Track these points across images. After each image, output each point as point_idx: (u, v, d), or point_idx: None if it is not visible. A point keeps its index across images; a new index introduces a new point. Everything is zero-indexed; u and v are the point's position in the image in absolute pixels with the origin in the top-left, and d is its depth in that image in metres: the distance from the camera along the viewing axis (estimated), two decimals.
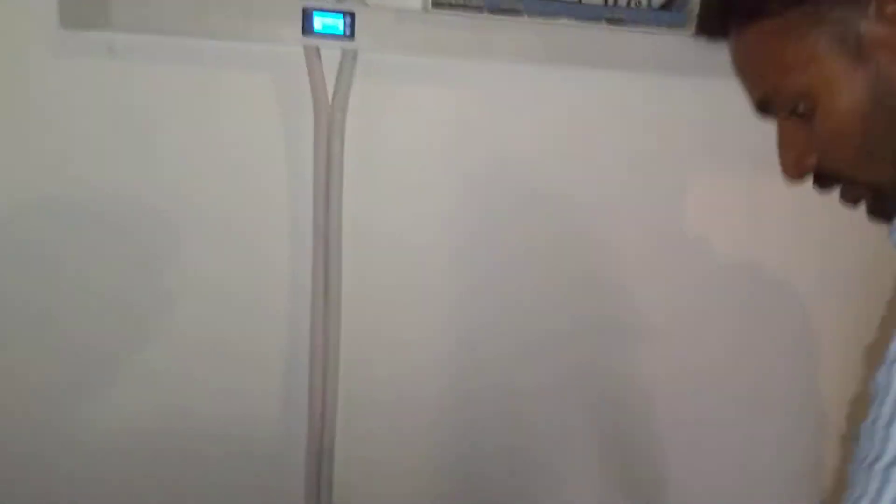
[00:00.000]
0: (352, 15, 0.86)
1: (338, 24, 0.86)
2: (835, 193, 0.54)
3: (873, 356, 1.09)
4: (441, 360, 1.02)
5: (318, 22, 0.85)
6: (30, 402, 0.92)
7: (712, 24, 0.54)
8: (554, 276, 1.03)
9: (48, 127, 0.86)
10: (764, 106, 0.53)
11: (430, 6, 0.87)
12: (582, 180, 1.01)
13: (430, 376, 1.01)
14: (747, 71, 0.53)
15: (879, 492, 0.45)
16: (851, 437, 0.54)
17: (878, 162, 0.50)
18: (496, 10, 0.88)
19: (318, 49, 0.88)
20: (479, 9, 0.88)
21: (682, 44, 0.91)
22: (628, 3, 0.92)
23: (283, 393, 0.97)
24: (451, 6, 0.87)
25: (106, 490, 0.95)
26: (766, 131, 0.55)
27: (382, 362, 0.99)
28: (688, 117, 1.01)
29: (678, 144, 1.03)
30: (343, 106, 0.89)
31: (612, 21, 0.91)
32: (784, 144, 0.53)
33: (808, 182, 0.54)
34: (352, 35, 0.87)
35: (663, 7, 0.94)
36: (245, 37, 0.86)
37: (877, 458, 0.45)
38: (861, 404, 1.07)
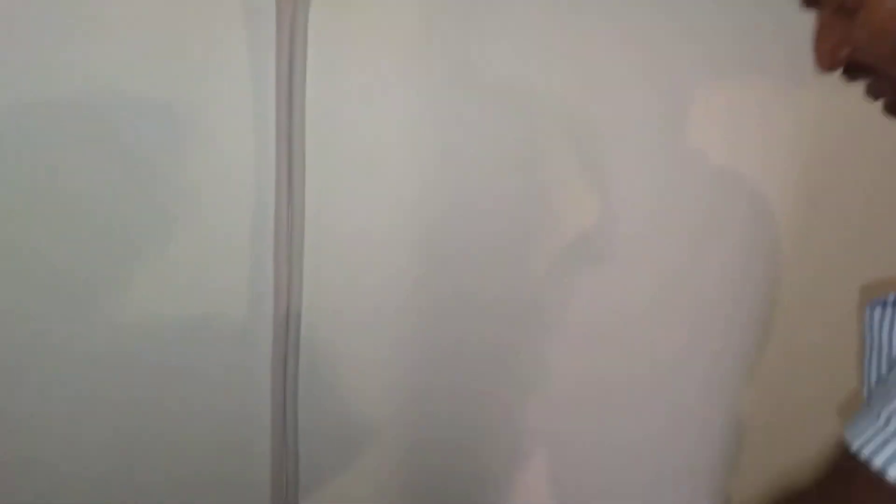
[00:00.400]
0: None
1: None
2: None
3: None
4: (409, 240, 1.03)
5: None
6: None
7: None
8: (530, 188, 1.04)
9: None
10: None
11: None
12: (568, 89, 1.01)
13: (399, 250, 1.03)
14: None
15: None
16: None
17: None
18: None
19: None
20: None
21: None
22: None
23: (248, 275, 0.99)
24: None
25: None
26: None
27: (346, 241, 1.01)
28: (681, 29, 1.00)
29: (673, 57, 1.03)
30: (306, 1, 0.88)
31: None
32: (822, 35, 0.55)
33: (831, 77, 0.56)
34: None
35: None
36: None
37: None
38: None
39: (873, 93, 0.56)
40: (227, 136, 0.92)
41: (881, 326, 0.59)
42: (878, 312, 0.59)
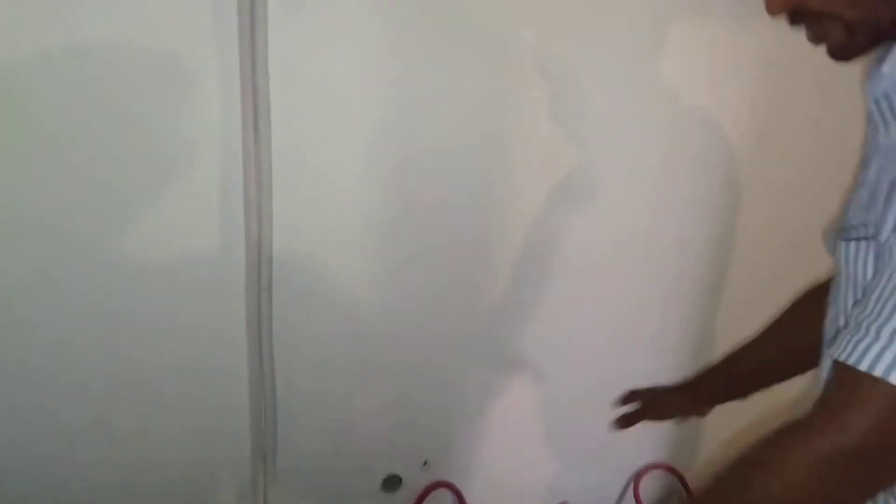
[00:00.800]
0: None
1: None
2: None
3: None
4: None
5: None
6: None
7: None
8: (502, 128, 1.06)
9: None
10: None
11: None
12: (538, 35, 1.02)
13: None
14: None
15: None
16: None
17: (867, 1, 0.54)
18: None
19: None
20: None
21: None
22: None
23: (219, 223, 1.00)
24: None
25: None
26: None
27: (315, 180, 1.02)
28: None
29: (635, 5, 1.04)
30: None
31: None
32: None
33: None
34: None
35: None
36: None
37: None
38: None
39: (818, 36, 0.58)
40: (192, 80, 0.92)
41: (855, 260, 0.60)
42: (852, 247, 0.61)
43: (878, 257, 0.57)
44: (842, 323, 0.63)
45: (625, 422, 1.01)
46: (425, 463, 1.25)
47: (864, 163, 0.65)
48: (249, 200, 0.98)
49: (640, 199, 1.19)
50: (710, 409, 1.00)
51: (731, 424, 1.42)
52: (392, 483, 1.25)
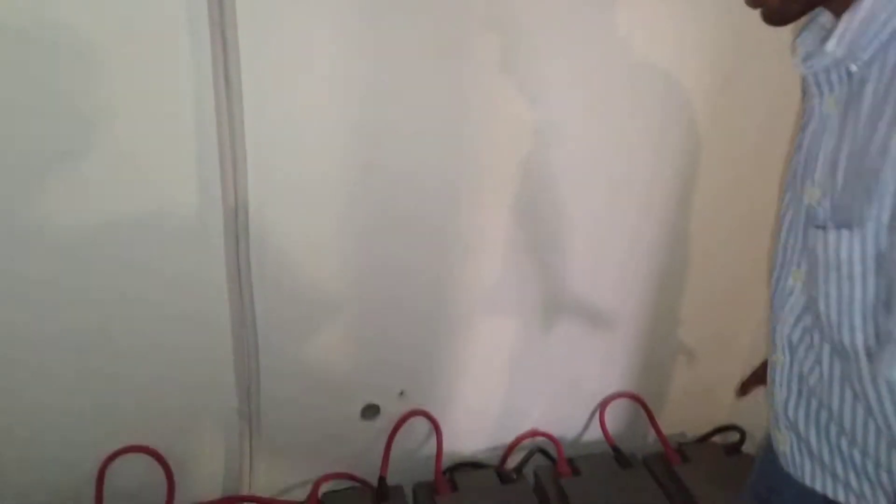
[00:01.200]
0: None
1: None
2: None
3: None
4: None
5: None
6: None
7: None
8: (464, 77, 1.08)
9: None
10: None
11: None
12: None
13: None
14: None
15: None
16: None
17: None
18: None
19: None
20: None
21: None
22: None
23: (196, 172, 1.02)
24: None
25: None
26: None
27: (286, 130, 1.04)
28: None
29: None
30: None
31: None
32: None
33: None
34: None
35: None
36: None
37: None
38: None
39: (755, 1, 0.60)
40: (162, 32, 0.93)
41: (837, 251, 0.59)
42: (831, 237, 0.59)
43: (868, 252, 0.56)
44: (822, 308, 0.62)
45: (742, 388, 0.98)
46: (402, 393, 1.32)
47: (803, 127, 0.68)
48: (224, 150, 1.00)
49: (606, 143, 1.22)
50: None
51: (690, 356, 1.50)
52: (371, 411, 1.32)
